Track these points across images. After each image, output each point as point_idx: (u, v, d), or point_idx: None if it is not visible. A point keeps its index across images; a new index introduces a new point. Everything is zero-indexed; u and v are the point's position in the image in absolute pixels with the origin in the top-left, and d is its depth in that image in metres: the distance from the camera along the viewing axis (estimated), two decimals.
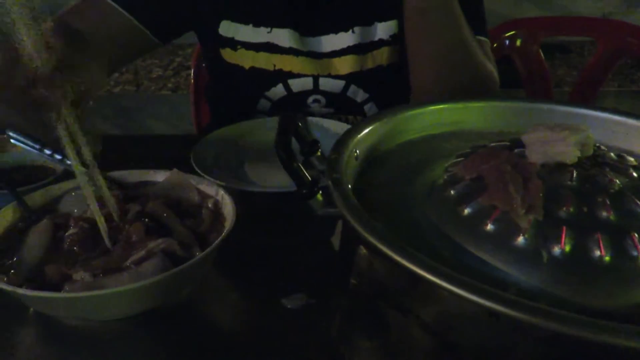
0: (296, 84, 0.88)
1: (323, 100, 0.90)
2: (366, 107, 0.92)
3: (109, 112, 2.04)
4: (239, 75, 0.88)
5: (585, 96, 1.27)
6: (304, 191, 0.39)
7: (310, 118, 0.87)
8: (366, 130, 0.51)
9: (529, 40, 1.24)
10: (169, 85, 3.01)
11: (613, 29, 1.26)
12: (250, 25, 0.85)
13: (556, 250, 0.36)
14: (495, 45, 1.23)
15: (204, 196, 0.56)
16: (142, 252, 0.46)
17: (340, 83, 0.88)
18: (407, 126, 0.55)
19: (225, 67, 0.89)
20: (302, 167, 0.39)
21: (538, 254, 0.37)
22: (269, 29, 0.85)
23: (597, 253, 0.36)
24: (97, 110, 2.06)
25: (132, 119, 2.04)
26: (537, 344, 0.31)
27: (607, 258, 0.36)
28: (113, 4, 0.79)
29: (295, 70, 0.87)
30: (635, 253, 0.36)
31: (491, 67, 0.81)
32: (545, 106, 0.58)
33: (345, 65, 0.87)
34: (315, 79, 0.88)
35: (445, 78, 0.76)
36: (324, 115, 0.93)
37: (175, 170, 0.59)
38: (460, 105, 0.57)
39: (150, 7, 0.82)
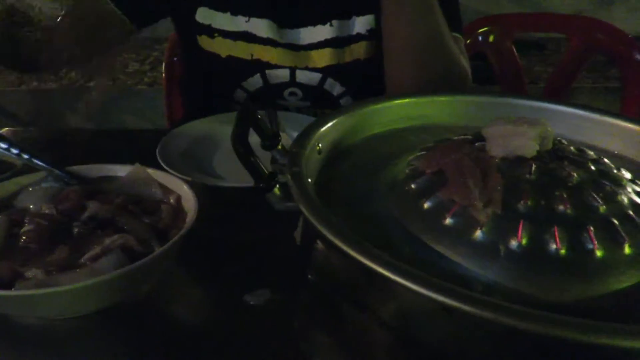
0: (273, 76, 0.87)
1: (300, 93, 0.90)
2: (342, 101, 0.92)
3: (81, 106, 2.00)
4: (215, 63, 0.87)
5: (558, 92, 1.28)
6: (261, 185, 0.38)
7: (283, 112, 0.87)
8: (330, 124, 0.50)
9: (503, 37, 1.25)
10: (146, 79, 2.96)
11: (585, 25, 1.28)
12: (228, 13, 0.84)
13: (513, 243, 0.36)
14: (468, 41, 1.23)
15: (167, 191, 0.55)
16: (98, 249, 0.45)
17: (317, 76, 0.88)
18: (373, 120, 0.55)
19: (201, 56, 0.88)
20: (259, 161, 0.38)
21: (495, 248, 0.36)
22: (247, 18, 0.84)
23: (554, 246, 0.36)
24: (69, 105, 2.02)
25: (107, 114, 2.01)
26: (491, 339, 0.31)
27: (563, 251, 0.36)
28: None
29: (273, 61, 0.87)
30: (591, 246, 0.36)
31: (465, 63, 0.82)
32: (511, 100, 0.58)
33: (322, 58, 0.87)
34: (292, 71, 0.87)
35: (420, 70, 0.76)
36: (300, 109, 0.92)
37: (137, 165, 0.58)
38: (426, 99, 0.57)
39: None
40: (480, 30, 1.24)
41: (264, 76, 0.88)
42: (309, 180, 0.42)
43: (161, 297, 0.51)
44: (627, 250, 0.37)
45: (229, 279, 0.52)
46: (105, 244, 0.45)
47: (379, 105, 0.55)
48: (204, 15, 0.85)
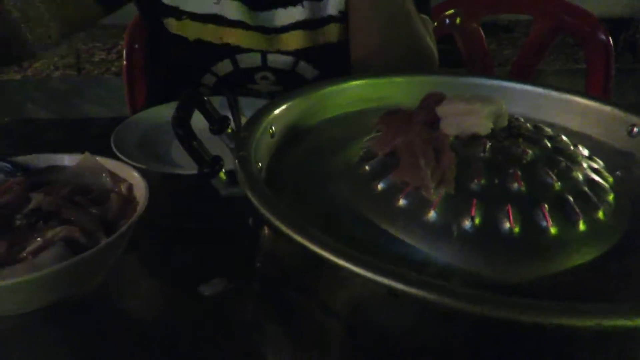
0: (244, 60, 0.85)
1: (272, 77, 0.88)
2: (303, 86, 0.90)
3: (44, 97, 1.94)
4: (182, 47, 0.84)
5: (525, 73, 1.28)
6: (205, 170, 0.36)
7: (243, 98, 0.84)
8: (284, 107, 0.49)
9: (469, 19, 1.24)
10: (113, 69, 2.90)
11: (550, 6, 1.28)
12: None
13: (466, 224, 0.35)
14: (435, 24, 1.22)
15: (117, 180, 0.53)
16: (40, 242, 0.42)
17: (290, 59, 0.86)
18: (330, 102, 0.53)
19: (168, 39, 0.85)
20: (202, 145, 0.36)
21: (449, 229, 0.35)
22: (216, 0, 0.81)
23: (507, 225, 0.35)
24: (30, 95, 1.96)
25: (71, 104, 1.95)
26: (439, 322, 0.30)
27: (517, 230, 0.35)
28: None
29: (244, 45, 0.84)
30: (545, 224, 0.35)
31: (431, 44, 0.81)
32: (471, 80, 0.57)
33: (294, 40, 0.85)
34: (264, 55, 0.85)
35: (383, 48, 0.75)
36: (272, 93, 0.90)
37: (87, 153, 0.55)
38: (384, 80, 0.56)
39: None
40: (447, 13, 1.23)
41: (234, 60, 0.85)
42: (259, 164, 0.41)
43: (111, 291, 0.49)
44: (581, 226, 0.36)
45: (182, 269, 0.51)
46: (47, 237, 0.43)
47: (335, 87, 0.53)
48: None
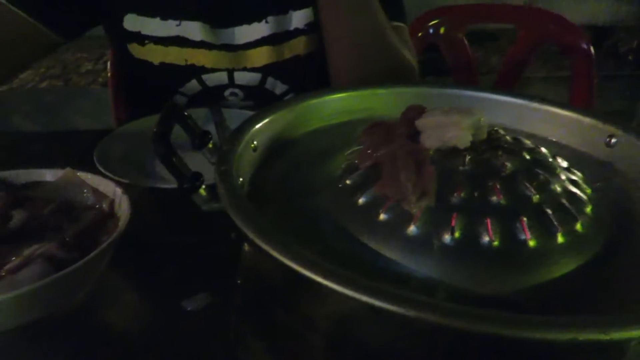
0: (211, 79, 0.85)
1: (240, 93, 0.87)
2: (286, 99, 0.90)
3: (30, 108, 1.92)
4: (149, 71, 0.84)
5: (510, 82, 1.30)
6: (185, 186, 0.36)
7: (229, 110, 0.84)
8: (267, 120, 0.49)
9: (454, 28, 1.25)
10: (100, 79, 2.88)
11: (535, 16, 1.30)
12: (158, 19, 0.81)
13: (446, 237, 0.35)
14: (420, 34, 1.23)
15: (99, 196, 0.53)
16: (19, 260, 0.42)
17: (257, 76, 0.86)
18: (313, 114, 0.53)
19: (134, 63, 0.84)
20: (182, 160, 0.36)
21: (429, 242, 0.35)
22: (177, 22, 0.81)
23: (487, 238, 0.35)
24: (16, 106, 1.94)
25: (57, 116, 1.94)
26: (420, 337, 0.30)
27: (496, 243, 0.35)
28: (5, 2, 0.73)
29: (209, 65, 0.83)
30: (524, 237, 0.35)
31: (408, 54, 0.81)
32: (453, 91, 0.58)
33: (260, 57, 0.84)
34: (230, 73, 0.85)
35: (361, 65, 0.75)
36: (243, 108, 0.90)
37: (68, 169, 0.55)
38: (367, 91, 0.56)
39: (47, 3, 0.76)
40: (431, 23, 1.24)
41: (200, 80, 0.85)
42: (241, 179, 0.41)
43: (95, 307, 0.48)
44: (560, 239, 0.36)
45: (166, 284, 0.50)
46: (25, 254, 0.42)
47: (318, 100, 0.53)
48: (132, 22, 0.81)
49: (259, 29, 0.83)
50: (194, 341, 0.44)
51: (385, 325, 0.30)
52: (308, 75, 0.85)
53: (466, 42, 1.26)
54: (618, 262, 0.37)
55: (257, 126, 0.47)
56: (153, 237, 0.57)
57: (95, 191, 0.53)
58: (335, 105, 0.55)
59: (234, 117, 0.79)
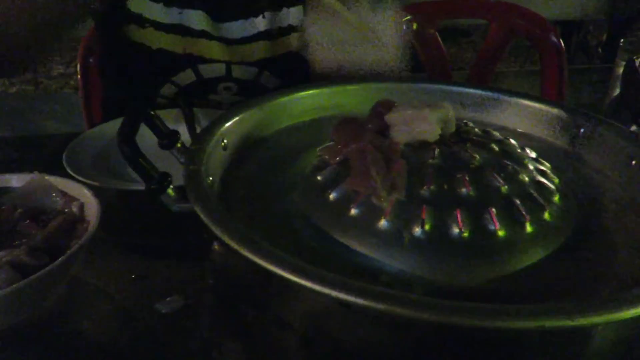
0: (207, 70, 0.84)
1: (235, 87, 0.87)
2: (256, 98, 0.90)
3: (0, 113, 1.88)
4: (143, 56, 0.83)
5: (482, 76, 1.31)
6: (153, 187, 0.36)
7: (201, 110, 0.83)
8: (236, 118, 0.48)
9: (426, 24, 1.26)
10: (72, 82, 2.83)
11: (504, 11, 1.31)
12: (161, 4, 0.80)
13: (417, 230, 0.35)
14: None
15: (68, 200, 0.51)
16: None
17: (253, 70, 0.86)
18: (284, 112, 0.53)
19: (128, 47, 0.83)
20: (148, 161, 0.36)
21: (400, 236, 0.36)
22: (180, 10, 0.81)
23: (456, 230, 0.35)
24: None
25: (27, 121, 1.90)
26: (391, 332, 0.30)
27: (465, 234, 0.35)
28: None
29: (207, 56, 0.83)
30: (493, 227, 0.36)
31: None
32: (423, 86, 0.58)
33: (257, 51, 0.85)
34: (228, 66, 0.85)
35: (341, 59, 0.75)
36: (233, 104, 0.89)
37: (36, 173, 0.53)
38: (338, 88, 0.56)
39: None
40: (403, 20, 1.24)
41: (196, 71, 0.85)
42: (210, 178, 0.40)
43: (66, 313, 0.47)
44: (528, 228, 0.37)
45: (139, 287, 0.49)
46: None
47: (289, 97, 0.53)
48: (137, 3, 0.80)
49: (256, 24, 0.84)
50: (169, 344, 0.43)
51: (357, 320, 0.30)
52: (301, 71, 0.85)
53: (439, 37, 1.27)
54: (585, 250, 0.38)
55: (227, 125, 0.47)
56: (125, 240, 0.56)
57: (64, 195, 0.52)
58: (306, 102, 0.55)
59: (206, 117, 0.78)
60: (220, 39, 0.84)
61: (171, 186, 0.36)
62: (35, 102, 1.99)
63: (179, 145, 0.42)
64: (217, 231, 0.31)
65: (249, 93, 0.88)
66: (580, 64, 2.69)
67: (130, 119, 0.36)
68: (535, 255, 0.36)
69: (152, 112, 0.39)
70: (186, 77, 0.85)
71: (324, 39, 0.68)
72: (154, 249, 0.55)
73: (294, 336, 0.32)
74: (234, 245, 0.30)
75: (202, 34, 0.82)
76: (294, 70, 0.88)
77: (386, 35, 0.66)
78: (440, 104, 0.41)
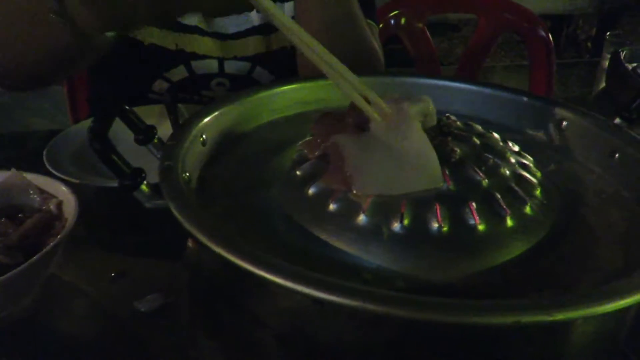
0: (200, 66, 0.83)
1: (227, 83, 0.86)
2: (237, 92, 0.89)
3: None
4: (135, 51, 0.81)
5: (471, 70, 1.31)
6: (126, 183, 0.35)
7: (186, 105, 0.82)
8: (216, 113, 0.47)
9: (414, 19, 1.25)
10: None
11: (492, 5, 1.31)
12: None
13: (396, 225, 0.35)
14: (381, 25, 1.23)
15: (46, 197, 0.51)
16: None
17: (246, 65, 0.85)
18: (265, 107, 0.52)
19: (119, 42, 0.81)
20: (121, 157, 0.35)
21: (379, 231, 0.35)
22: None
23: (436, 225, 0.35)
24: None
25: (9, 118, 1.87)
26: (367, 329, 0.29)
27: (445, 229, 0.35)
28: None
29: (200, 52, 0.82)
30: (473, 222, 0.35)
31: (377, 46, 0.81)
32: (407, 80, 0.58)
33: (250, 46, 0.84)
34: (221, 61, 0.84)
35: (332, 50, 0.75)
36: None
37: (13, 170, 0.52)
38: (320, 82, 0.55)
39: None
40: (391, 14, 1.24)
41: (189, 67, 0.84)
42: (187, 174, 0.39)
43: (43, 312, 0.46)
44: (509, 222, 0.36)
45: (118, 285, 0.49)
46: None
47: (270, 92, 0.52)
48: None
49: (250, 19, 0.82)
50: (148, 343, 0.43)
51: (331, 317, 0.30)
52: (294, 67, 0.84)
53: (427, 32, 1.26)
54: (566, 244, 0.37)
55: (206, 120, 0.46)
56: (105, 237, 0.55)
57: (42, 192, 0.51)
58: (289, 97, 0.54)
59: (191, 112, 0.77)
60: (213, 35, 0.82)
61: (145, 182, 0.35)
62: (22, 98, 1.96)
63: (155, 140, 0.41)
64: (189, 226, 0.30)
65: (242, 89, 0.87)
66: (570, 58, 2.70)
67: (102, 114, 0.35)
68: (516, 249, 0.36)
69: (127, 107, 0.38)
70: (178, 73, 0.84)
71: None
72: (134, 246, 0.54)
73: (269, 334, 0.32)
74: (205, 241, 0.29)
75: (195, 30, 0.81)
76: (287, 65, 0.87)
77: None
78: (421, 98, 0.40)
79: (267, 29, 0.84)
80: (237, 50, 0.84)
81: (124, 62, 0.85)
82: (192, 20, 0.81)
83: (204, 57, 0.83)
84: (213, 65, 0.84)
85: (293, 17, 0.83)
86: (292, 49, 0.85)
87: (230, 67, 0.85)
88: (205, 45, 0.82)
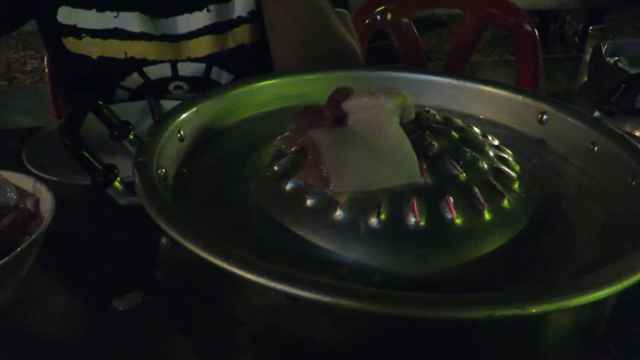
0: (153, 72, 0.81)
1: (185, 86, 0.85)
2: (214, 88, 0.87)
3: None
4: (87, 66, 0.80)
5: (458, 65, 1.31)
6: (99, 180, 0.34)
7: (169, 101, 0.81)
8: (194, 109, 0.47)
9: (400, 14, 1.25)
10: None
11: (479, 0, 1.31)
12: (94, 10, 0.77)
13: (373, 220, 0.35)
14: (367, 21, 1.23)
15: (24, 195, 0.50)
16: None
17: (201, 66, 0.83)
18: (245, 102, 0.52)
19: (70, 59, 0.80)
20: (93, 153, 0.34)
21: (356, 226, 0.35)
22: (115, 14, 0.77)
23: (413, 219, 0.35)
24: None
25: None
26: (340, 325, 0.29)
27: (422, 223, 0.35)
28: None
29: (150, 57, 0.80)
30: (450, 216, 0.35)
31: (352, 39, 0.80)
32: (388, 74, 0.57)
33: (203, 46, 0.82)
34: (174, 64, 0.82)
35: (303, 50, 0.74)
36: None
37: None
38: (302, 77, 0.55)
39: None
40: (377, 9, 1.23)
41: (142, 73, 0.82)
42: (163, 170, 0.39)
43: (19, 312, 0.46)
44: (487, 216, 0.36)
45: (96, 283, 0.48)
46: None
47: (249, 87, 0.52)
48: (66, 15, 0.77)
49: (200, 18, 0.80)
50: (125, 341, 0.42)
51: (305, 314, 0.29)
52: (255, 64, 0.83)
53: (414, 27, 1.26)
54: (544, 236, 0.37)
55: (184, 116, 0.45)
56: (82, 236, 0.54)
57: (19, 190, 0.50)
58: (268, 92, 0.54)
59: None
60: (162, 37, 0.80)
61: (118, 179, 0.35)
62: (8, 97, 1.94)
63: (131, 136, 0.40)
64: (159, 223, 0.30)
65: (202, 89, 0.84)
66: (557, 53, 2.71)
67: (75, 109, 0.34)
68: (493, 243, 0.35)
69: (100, 103, 0.38)
70: (133, 80, 0.82)
71: None
72: (113, 243, 0.53)
73: (244, 331, 0.31)
74: (176, 237, 0.29)
75: (142, 36, 0.79)
76: (246, 63, 0.85)
77: None
78: (398, 91, 0.40)
79: (220, 27, 0.81)
80: (190, 51, 0.82)
81: (80, 78, 0.84)
82: (137, 26, 0.79)
83: (155, 62, 0.81)
84: (166, 69, 0.82)
85: (250, 13, 0.80)
86: (251, 45, 0.83)
87: (185, 69, 0.83)
88: (154, 49, 0.80)
